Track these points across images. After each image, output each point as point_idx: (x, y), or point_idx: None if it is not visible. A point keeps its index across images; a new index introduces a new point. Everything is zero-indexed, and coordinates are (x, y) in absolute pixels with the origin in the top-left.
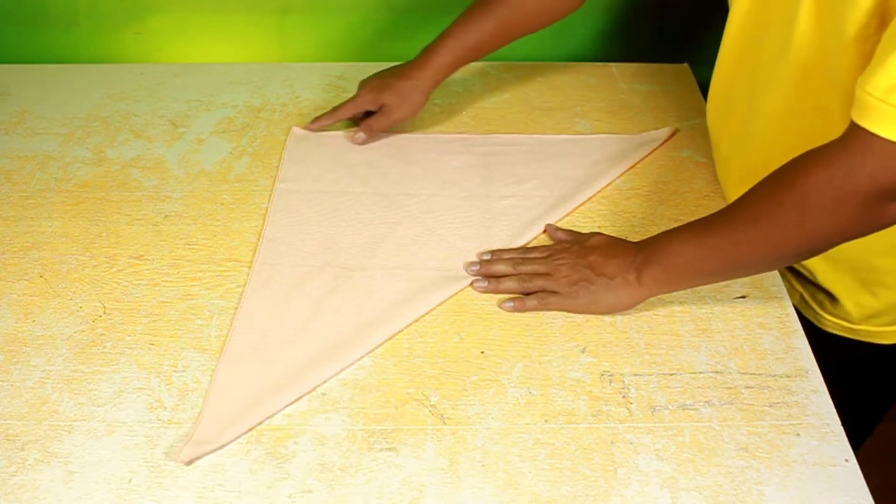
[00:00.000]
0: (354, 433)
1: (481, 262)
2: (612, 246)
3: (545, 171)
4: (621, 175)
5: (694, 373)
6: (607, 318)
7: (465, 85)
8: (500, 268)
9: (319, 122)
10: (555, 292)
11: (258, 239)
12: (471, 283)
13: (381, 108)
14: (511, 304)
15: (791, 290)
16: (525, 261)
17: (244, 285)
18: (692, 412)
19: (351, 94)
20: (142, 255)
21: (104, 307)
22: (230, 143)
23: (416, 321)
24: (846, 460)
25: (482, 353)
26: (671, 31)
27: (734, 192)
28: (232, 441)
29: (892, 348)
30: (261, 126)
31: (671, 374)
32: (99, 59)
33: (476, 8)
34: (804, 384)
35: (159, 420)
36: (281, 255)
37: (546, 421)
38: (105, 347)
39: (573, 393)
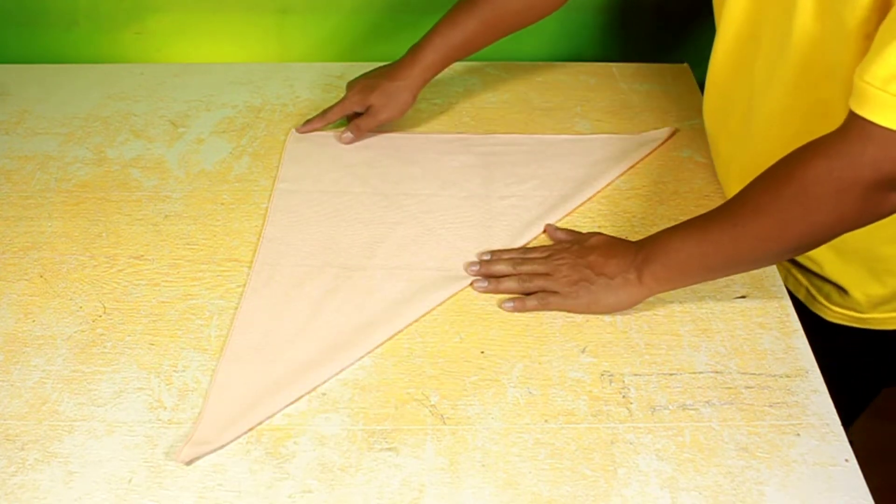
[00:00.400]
0: (354, 433)
1: (481, 263)
2: (612, 245)
3: (545, 171)
4: (621, 175)
5: (694, 373)
6: (607, 318)
7: (465, 85)
8: (500, 268)
9: (310, 125)
10: (555, 292)
11: (258, 239)
12: (471, 284)
13: (368, 108)
14: (511, 304)
15: (797, 286)
16: (525, 261)
17: (244, 285)
18: (692, 412)
19: None
20: (142, 255)
21: (104, 307)
22: (230, 143)
23: (416, 321)
24: (846, 460)
25: (482, 353)
26: (671, 30)
27: (735, 192)
28: (232, 441)
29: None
30: (261, 126)
31: (671, 374)
32: (99, 59)
33: (461, 6)
34: (804, 384)
35: (159, 420)
36: (281, 255)
37: (546, 421)
38: (105, 347)
39: (573, 393)
